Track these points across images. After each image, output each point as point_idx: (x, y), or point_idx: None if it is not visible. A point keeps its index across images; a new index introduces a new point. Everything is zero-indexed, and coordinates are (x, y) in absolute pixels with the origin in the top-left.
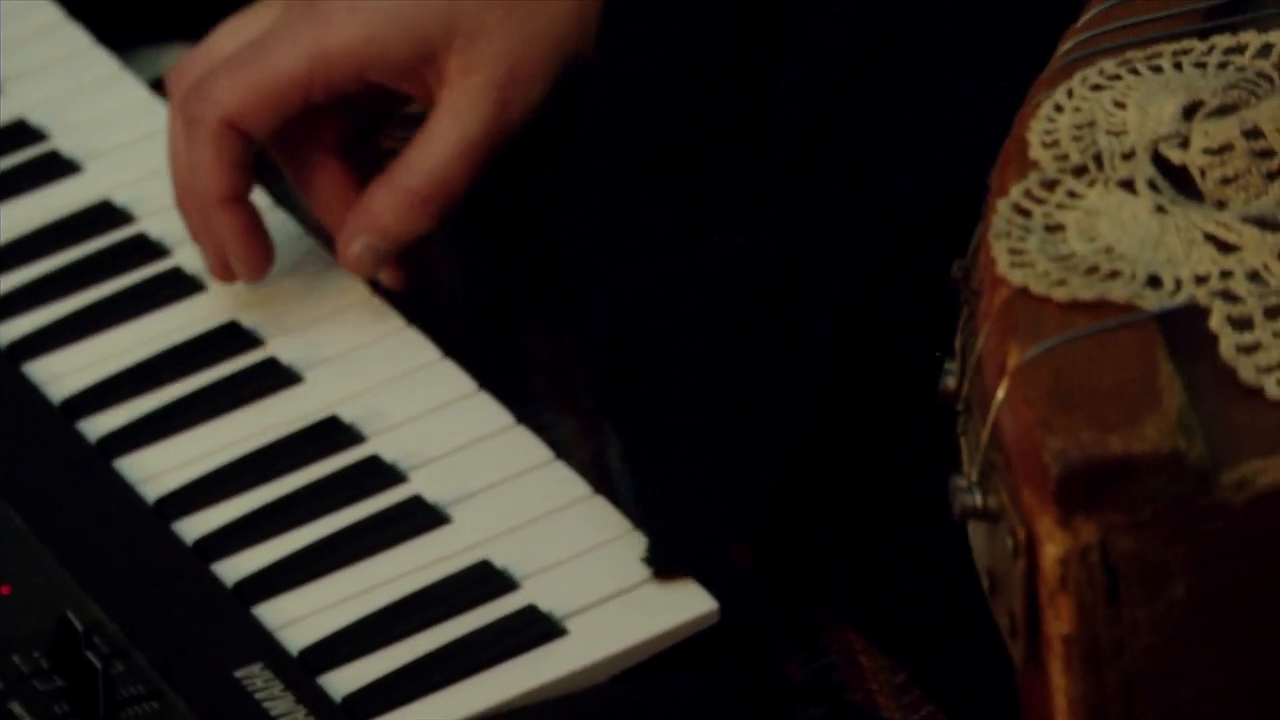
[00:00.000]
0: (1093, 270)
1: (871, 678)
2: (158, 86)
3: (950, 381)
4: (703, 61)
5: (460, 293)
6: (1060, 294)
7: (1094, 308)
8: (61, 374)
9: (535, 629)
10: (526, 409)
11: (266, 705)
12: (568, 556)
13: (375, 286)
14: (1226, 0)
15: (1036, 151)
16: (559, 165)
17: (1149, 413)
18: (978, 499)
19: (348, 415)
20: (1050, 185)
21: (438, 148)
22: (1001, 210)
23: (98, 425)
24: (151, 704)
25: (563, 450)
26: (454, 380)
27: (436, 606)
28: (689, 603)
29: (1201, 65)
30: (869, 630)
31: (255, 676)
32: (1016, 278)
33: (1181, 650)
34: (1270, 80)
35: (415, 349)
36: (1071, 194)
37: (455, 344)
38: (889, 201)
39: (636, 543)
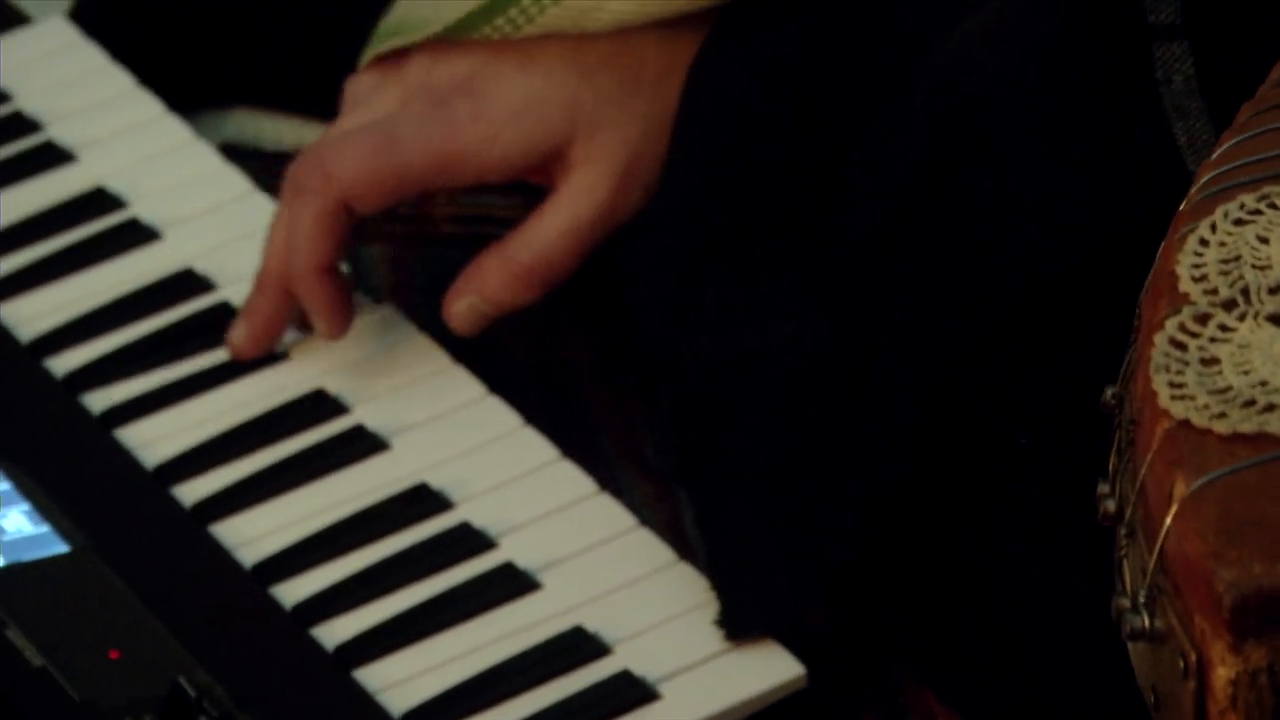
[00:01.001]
0: (1250, 404)
1: None
2: (224, 151)
3: (1110, 505)
4: (777, 149)
5: (533, 358)
6: (1221, 427)
7: (1254, 439)
8: (153, 440)
9: (630, 694)
10: (599, 474)
11: None
12: (657, 622)
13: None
14: None
15: (1186, 285)
16: (634, 238)
17: None
18: (1145, 621)
19: (436, 482)
20: (1203, 319)
21: (550, 228)
22: (1159, 344)
23: (191, 491)
24: None
25: (638, 514)
26: (537, 447)
27: (532, 671)
28: (777, 667)
29: None
30: (946, 695)
31: None
32: (1178, 410)
33: None
34: None
35: (498, 416)
36: (1223, 328)
37: (527, 408)
38: (968, 293)
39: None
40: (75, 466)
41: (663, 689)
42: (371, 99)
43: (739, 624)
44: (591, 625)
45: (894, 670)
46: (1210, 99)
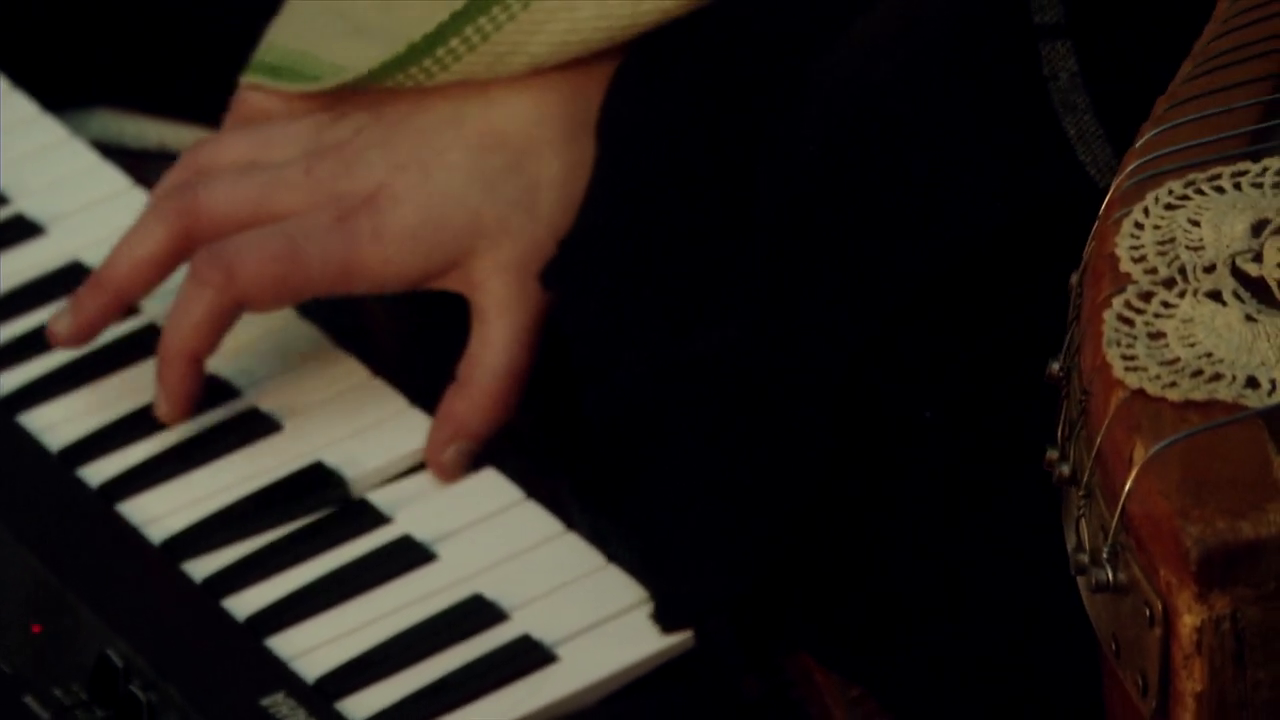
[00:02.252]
0: (1198, 374)
1: (827, 693)
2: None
3: (1065, 469)
4: (687, 162)
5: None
6: (1174, 395)
7: (1205, 406)
8: (57, 423)
9: (530, 657)
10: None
11: None
12: (550, 589)
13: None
14: (1265, 125)
15: (1127, 265)
16: (558, 263)
17: (1270, 500)
18: (1109, 574)
19: (330, 460)
20: (1146, 297)
21: (498, 344)
22: (1109, 320)
23: (97, 472)
24: None
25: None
26: (424, 426)
27: (437, 637)
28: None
29: (1258, 185)
30: (830, 659)
31: (280, 704)
32: (1133, 380)
33: None
34: None
35: (385, 399)
36: (1166, 304)
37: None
38: (871, 283)
39: (611, 575)
40: None
41: (560, 652)
42: (268, 133)
43: (670, 618)
44: (489, 593)
45: (772, 636)
46: (1095, 94)
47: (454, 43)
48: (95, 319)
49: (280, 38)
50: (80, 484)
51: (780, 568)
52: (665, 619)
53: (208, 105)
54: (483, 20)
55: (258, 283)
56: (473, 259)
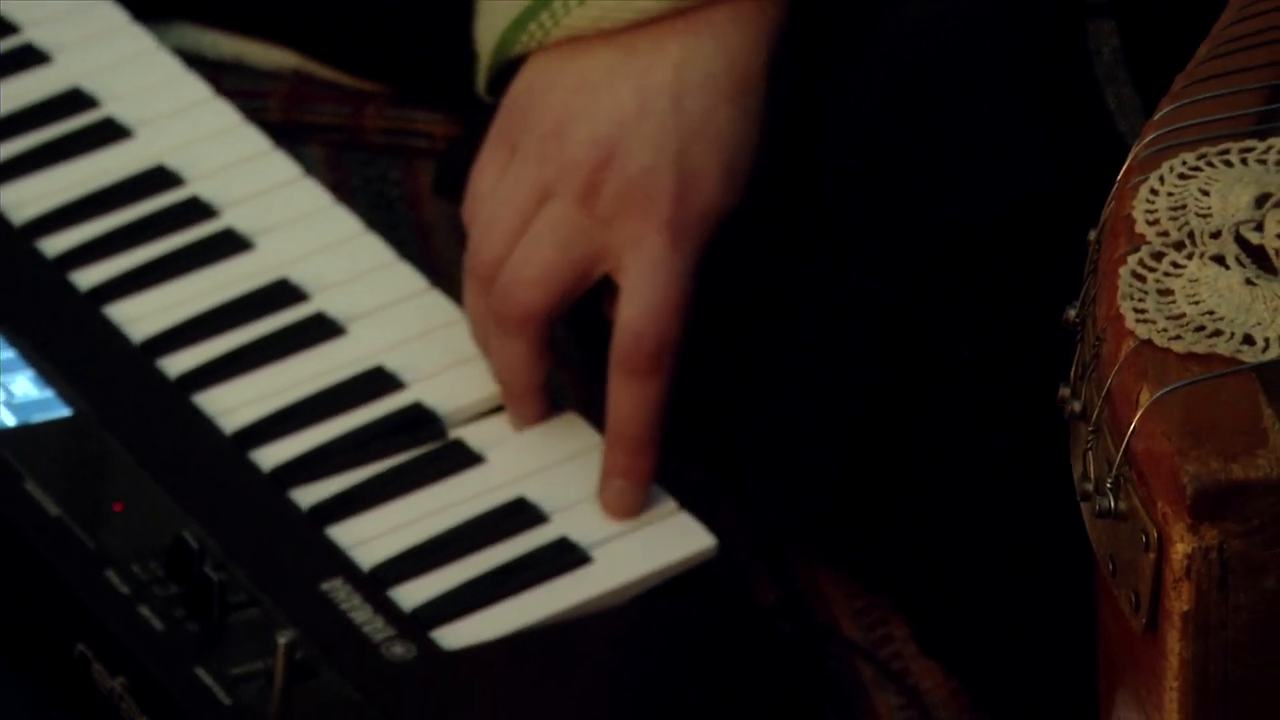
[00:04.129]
0: (1200, 329)
1: (835, 602)
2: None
3: (1076, 406)
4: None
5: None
6: (1179, 347)
7: (1205, 359)
8: (139, 316)
9: (567, 557)
10: None
11: (350, 615)
12: (587, 496)
13: None
14: (1271, 108)
15: (1142, 227)
16: None
17: (1260, 447)
18: (1111, 502)
19: (390, 365)
20: (1158, 257)
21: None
22: (1124, 276)
23: (176, 364)
24: (254, 611)
25: (561, 396)
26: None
27: (482, 534)
28: (693, 539)
29: (1263, 161)
30: (854, 563)
31: (338, 589)
32: (1142, 331)
33: (1270, 626)
34: None
35: (442, 307)
36: (1175, 265)
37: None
38: (921, 230)
39: None
40: (69, 339)
41: (594, 554)
42: (500, 152)
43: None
44: (532, 496)
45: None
46: (1135, 69)
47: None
48: (536, 414)
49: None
50: (160, 374)
51: (824, 482)
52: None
53: (275, 23)
54: None
55: (542, 300)
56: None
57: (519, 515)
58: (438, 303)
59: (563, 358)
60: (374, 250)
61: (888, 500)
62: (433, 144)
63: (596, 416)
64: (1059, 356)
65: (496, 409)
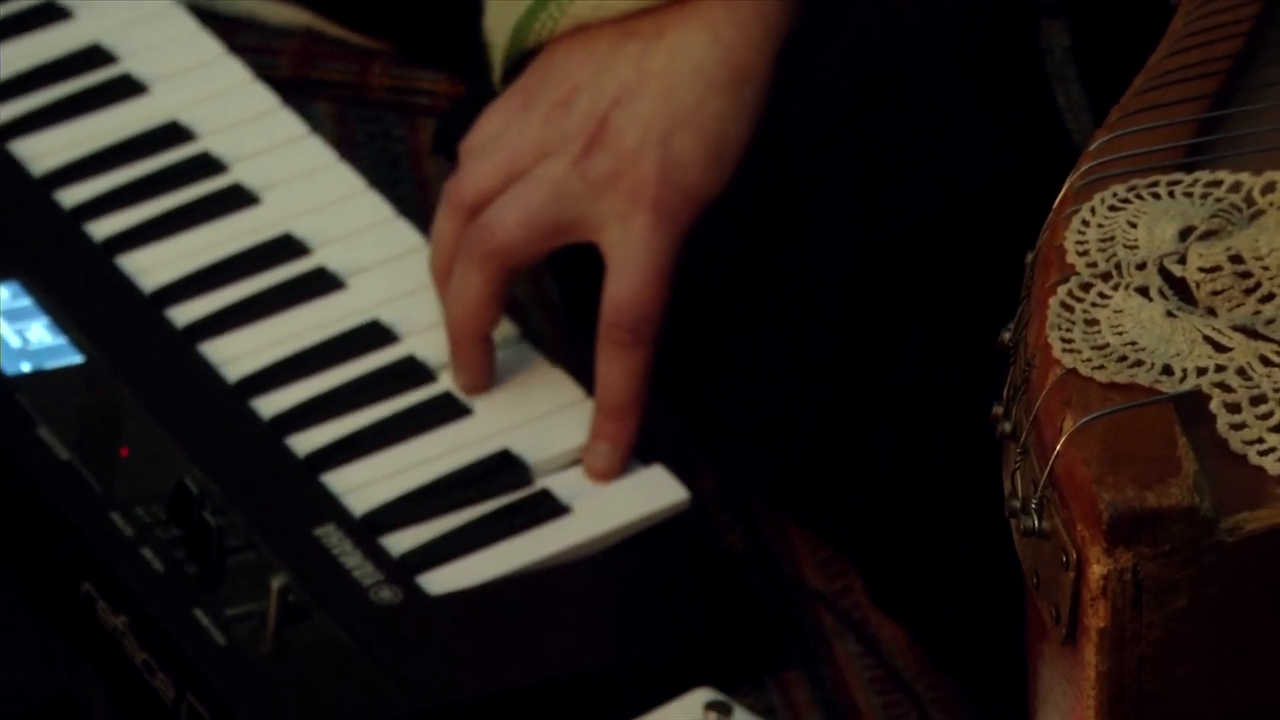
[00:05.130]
0: (1123, 359)
1: (800, 553)
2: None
3: (1006, 427)
4: None
5: None
6: (1101, 376)
7: (1126, 388)
8: (150, 267)
9: (546, 508)
10: (516, 317)
11: (341, 559)
12: (568, 449)
13: None
14: (1198, 141)
15: (1072, 258)
16: None
17: (1173, 476)
18: (1035, 522)
19: (385, 318)
20: (1086, 288)
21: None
22: (1053, 306)
23: (183, 314)
24: (250, 554)
25: (546, 353)
26: None
27: (469, 485)
28: (667, 491)
29: (1189, 195)
30: (810, 518)
31: (330, 535)
32: (1068, 361)
33: (1180, 642)
34: (1240, 211)
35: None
36: (1102, 295)
37: None
38: (876, 212)
39: None
40: (82, 288)
41: (573, 505)
42: (508, 139)
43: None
44: (516, 448)
45: (753, 497)
46: (1084, 68)
47: None
48: (476, 362)
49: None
50: (168, 323)
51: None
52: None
53: None
54: None
55: (520, 242)
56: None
57: (503, 467)
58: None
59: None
60: (374, 207)
61: (845, 465)
62: (434, 102)
63: (582, 376)
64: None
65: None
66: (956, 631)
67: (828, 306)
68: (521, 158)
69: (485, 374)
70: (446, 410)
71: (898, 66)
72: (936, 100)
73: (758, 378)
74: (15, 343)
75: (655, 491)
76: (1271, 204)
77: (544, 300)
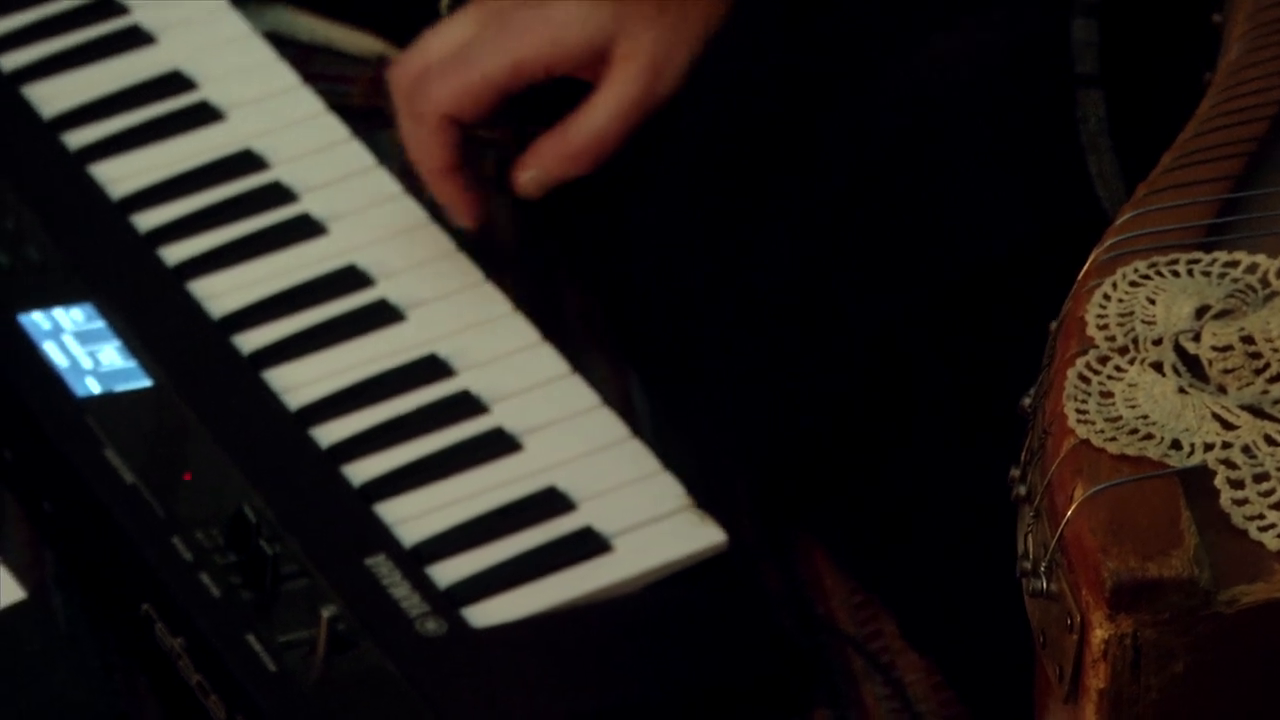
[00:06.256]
0: (1134, 432)
1: (833, 596)
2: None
3: (1021, 490)
4: (770, 121)
5: (518, 254)
6: (1112, 448)
7: (1136, 461)
8: (219, 293)
9: (589, 545)
10: (568, 351)
11: (390, 590)
12: (612, 487)
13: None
14: (1219, 221)
15: (1092, 330)
16: (635, 176)
17: (1175, 548)
18: (1044, 584)
19: (442, 353)
20: (1103, 360)
21: (599, 114)
22: (1071, 377)
23: (249, 341)
24: (303, 581)
25: (597, 389)
26: (523, 330)
27: (515, 519)
28: (707, 534)
29: (1207, 274)
30: (846, 561)
31: (380, 565)
32: (1081, 431)
33: (1176, 705)
34: (1255, 292)
35: (492, 301)
36: (1118, 369)
37: (514, 294)
38: (909, 266)
39: (664, 480)
40: (154, 312)
41: (615, 543)
42: (458, 22)
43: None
44: (561, 485)
45: (792, 538)
46: (1117, 138)
47: None
48: (458, 196)
49: None
50: (234, 349)
51: (816, 481)
52: (711, 507)
53: (363, 10)
54: None
55: (452, 96)
56: (613, 49)
57: (549, 503)
58: (494, 294)
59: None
60: (436, 240)
61: (875, 503)
62: (492, 135)
63: (626, 406)
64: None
65: (538, 389)
66: (984, 669)
67: (857, 361)
68: (458, 32)
69: (475, 206)
70: (497, 445)
71: (936, 126)
72: (972, 163)
73: (781, 407)
74: (87, 364)
75: (694, 533)
76: None
77: (596, 337)
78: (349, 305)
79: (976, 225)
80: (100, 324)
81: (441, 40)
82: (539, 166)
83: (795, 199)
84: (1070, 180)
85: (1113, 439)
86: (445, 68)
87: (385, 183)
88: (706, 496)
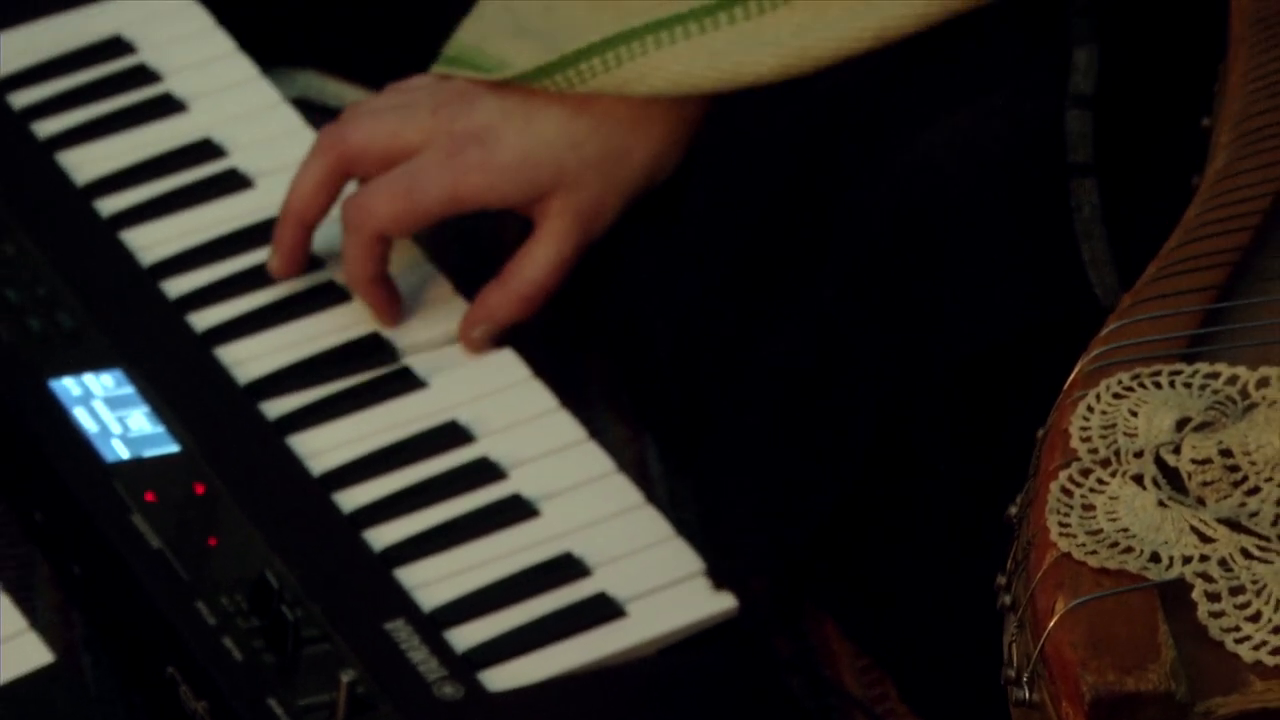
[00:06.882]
0: (1114, 545)
1: (840, 659)
2: (295, 104)
3: (1007, 600)
4: (776, 207)
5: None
6: (1093, 561)
7: (1115, 574)
8: (245, 359)
9: (604, 611)
10: (584, 415)
11: (409, 654)
12: (626, 553)
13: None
14: (1201, 332)
15: (1075, 443)
16: (650, 249)
17: (1153, 661)
18: (1026, 694)
19: (462, 419)
20: (1085, 473)
21: (539, 264)
22: (1053, 490)
23: (275, 407)
24: (324, 646)
25: (612, 452)
26: (541, 396)
27: (531, 584)
28: (718, 600)
29: (1189, 385)
30: (851, 629)
31: (400, 629)
32: (1063, 545)
33: None
34: (1235, 404)
35: (511, 367)
36: (1100, 481)
37: (533, 361)
38: (913, 355)
39: (678, 547)
40: (181, 378)
41: (629, 609)
42: (411, 85)
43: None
44: (577, 551)
45: (802, 603)
46: (1111, 226)
47: (595, 61)
48: (292, 246)
49: (462, 34)
50: (261, 416)
51: (820, 554)
52: (717, 575)
53: (392, 76)
54: (622, 49)
55: (389, 218)
56: (550, 199)
57: (565, 569)
58: (512, 360)
59: (624, 415)
60: (459, 309)
61: (874, 575)
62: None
63: (642, 468)
64: (1019, 481)
65: (555, 454)
66: None
67: (856, 444)
68: (409, 135)
69: (391, 310)
70: (515, 511)
71: (933, 215)
72: (969, 250)
73: (768, 460)
74: (116, 429)
75: (705, 599)
76: (1265, 398)
77: (615, 406)
78: (372, 373)
79: (973, 310)
80: (129, 389)
81: (388, 127)
82: (488, 320)
83: (800, 280)
84: (1064, 267)
85: (1094, 552)
86: (388, 188)
87: (411, 254)
88: (718, 560)
